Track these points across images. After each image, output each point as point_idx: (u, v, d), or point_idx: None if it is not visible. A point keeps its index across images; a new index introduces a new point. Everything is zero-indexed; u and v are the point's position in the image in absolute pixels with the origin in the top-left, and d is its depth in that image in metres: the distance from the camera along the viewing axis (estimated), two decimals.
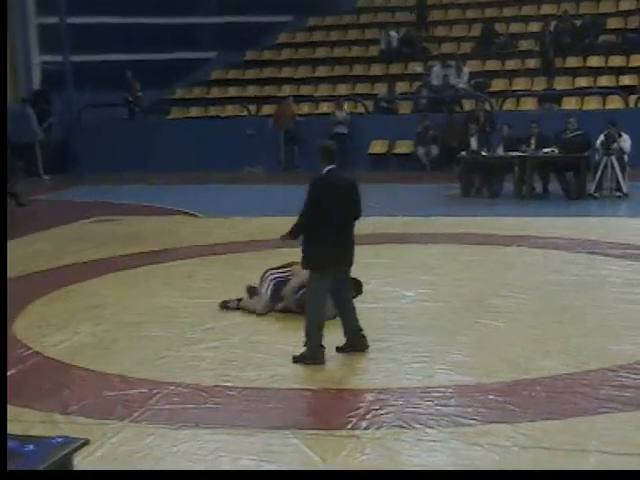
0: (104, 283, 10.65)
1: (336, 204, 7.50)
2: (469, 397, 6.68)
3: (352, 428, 6.13)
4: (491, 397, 6.63)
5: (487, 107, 20.18)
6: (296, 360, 7.45)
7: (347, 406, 6.51)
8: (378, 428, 6.12)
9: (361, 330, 7.71)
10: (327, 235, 7.45)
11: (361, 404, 6.53)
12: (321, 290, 7.52)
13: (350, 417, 6.29)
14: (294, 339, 8.10)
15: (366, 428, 6.13)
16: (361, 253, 11.48)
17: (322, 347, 7.47)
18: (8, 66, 24.36)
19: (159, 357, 7.76)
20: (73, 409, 6.60)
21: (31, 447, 5.47)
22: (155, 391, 6.91)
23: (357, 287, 8.70)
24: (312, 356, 7.42)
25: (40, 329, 8.71)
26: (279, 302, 9.02)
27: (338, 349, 7.66)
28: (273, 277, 9.14)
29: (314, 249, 7.47)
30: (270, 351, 7.84)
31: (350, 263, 7.73)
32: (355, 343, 7.69)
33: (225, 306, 9.18)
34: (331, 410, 6.48)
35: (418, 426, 6.12)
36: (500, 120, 18.26)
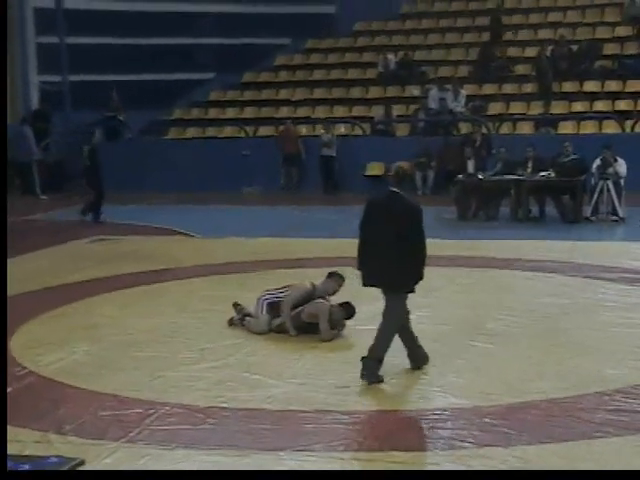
0: (101, 302, 10.64)
1: (380, 225, 7.60)
2: (464, 420, 6.69)
3: (346, 449, 6.13)
4: (486, 420, 6.63)
5: (484, 130, 20.26)
6: (363, 376, 7.42)
7: (342, 428, 6.50)
8: (373, 450, 6.11)
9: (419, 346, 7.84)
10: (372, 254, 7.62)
11: (356, 426, 6.52)
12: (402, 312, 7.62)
13: (345, 439, 6.29)
14: (290, 361, 8.11)
15: (359, 450, 6.11)
16: (357, 275, 11.54)
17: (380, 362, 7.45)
18: (8, 86, 24.47)
19: (155, 377, 7.76)
20: (68, 429, 6.59)
21: (26, 467, 5.48)
22: (150, 411, 6.90)
23: (349, 311, 8.76)
24: (371, 376, 7.40)
25: (36, 348, 8.70)
26: (277, 317, 9.03)
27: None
28: (265, 298, 9.16)
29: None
30: (265, 372, 7.83)
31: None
32: (418, 363, 7.82)
33: (231, 323, 9.35)
34: (326, 432, 6.47)
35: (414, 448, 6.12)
36: (497, 144, 18.31)
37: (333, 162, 20.99)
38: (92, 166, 17.66)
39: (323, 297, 8.95)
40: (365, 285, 7.70)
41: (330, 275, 9.18)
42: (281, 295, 9.12)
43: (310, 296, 8.92)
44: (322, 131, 21.40)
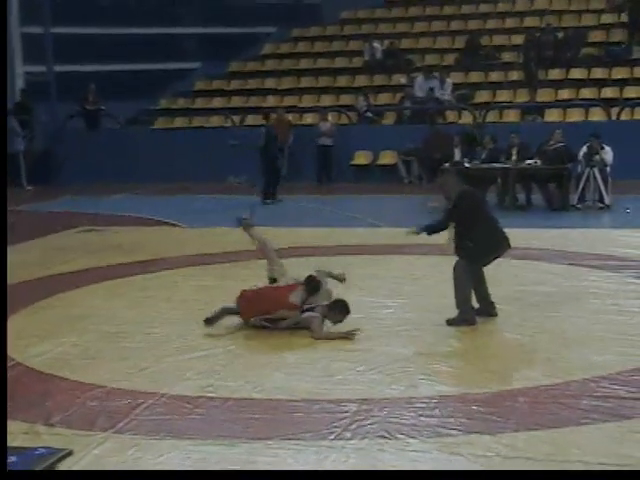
0: (88, 293, 10.63)
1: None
2: (452, 407, 6.71)
3: (336, 438, 6.14)
4: (474, 408, 6.66)
5: (474, 120, 20.30)
6: (450, 323, 8.64)
7: (330, 417, 6.52)
8: (362, 438, 6.14)
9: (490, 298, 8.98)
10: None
11: (345, 414, 6.54)
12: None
13: (334, 427, 6.30)
14: (278, 350, 8.13)
15: (350, 438, 6.14)
16: (345, 264, 11.57)
17: (473, 309, 8.81)
18: None
19: (142, 368, 7.76)
20: (56, 420, 6.59)
21: (14, 458, 5.47)
22: (138, 402, 6.90)
23: (345, 309, 8.70)
24: (465, 318, 8.66)
25: (24, 339, 8.68)
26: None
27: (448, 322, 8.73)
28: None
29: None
30: (254, 361, 7.85)
31: None
32: (486, 310, 8.93)
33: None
34: (315, 420, 6.49)
35: (401, 436, 6.15)
36: (485, 132, 18.34)
37: (331, 151, 20.92)
38: (265, 147, 18.12)
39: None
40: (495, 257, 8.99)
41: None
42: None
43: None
44: (320, 121, 21.28)
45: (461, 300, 8.77)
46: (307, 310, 8.68)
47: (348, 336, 8.38)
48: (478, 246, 8.75)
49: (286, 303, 8.69)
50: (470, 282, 8.83)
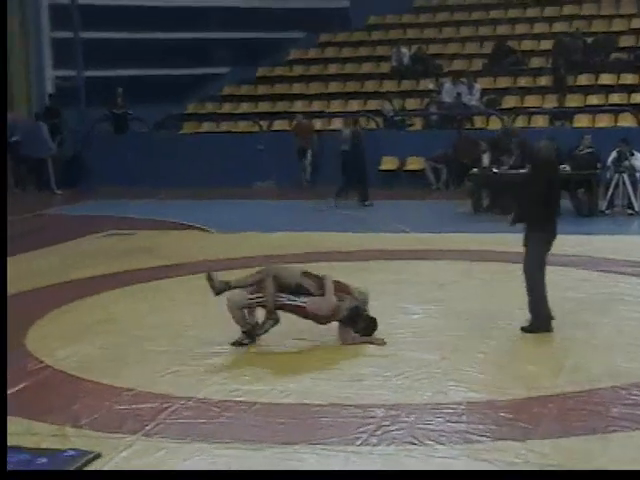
0: (116, 297, 10.67)
1: None
2: (480, 414, 6.68)
3: (362, 444, 6.13)
4: (502, 414, 6.62)
5: (503, 126, 20.22)
6: (526, 330, 8.51)
7: (357, 422, 6.51)
8: (389, 444, 6.12)
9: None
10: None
11: (372, 420, 6.52)
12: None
13: (361, 433, 6.29)
14: (304, 355, 8.12)
15: (376, 444, 6.12)
16: (372, 269, 11.55)
17: (548, 311, 8.63)
18: (22, 80, 24.55)
19: (170, 371, 7.78)
20: (84, 422, 6.62)
21: (44, 460, 5.50)
22: (166, 405, 6.92)
23: (372, 324, 8.63)
24: (542, 325, 8.53)
25: (51, 342, 8.73)
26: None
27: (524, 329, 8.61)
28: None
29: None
30: (281, 366, 7.84)
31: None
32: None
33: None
34: (341, 426, 6.47)
35: (429, 442, 6.12)
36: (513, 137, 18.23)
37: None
38: (352, 151, 18.25)
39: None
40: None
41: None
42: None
43: None
44: (343, 127, 21.24)
45: (535, 302, 8.64)
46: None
47: (375, 342, 8.35)
48: (548, 223, 8.69)
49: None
50: (544, 280, 8.67)
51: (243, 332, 8.48)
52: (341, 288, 8.63)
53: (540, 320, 8.60)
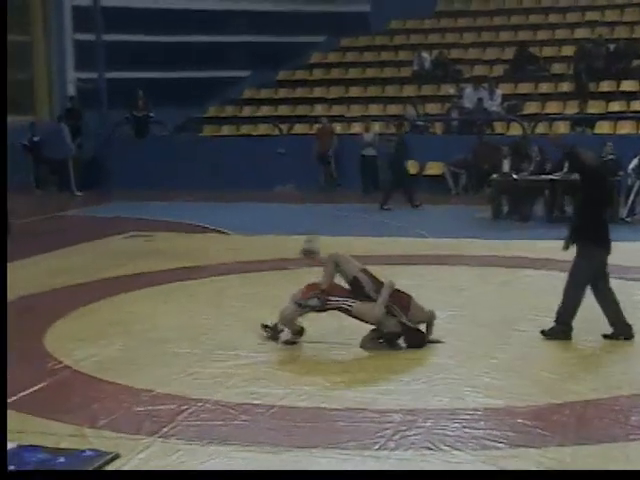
0: (135, 299, 10.71)
1: None
2: (497, 420, 6.66)
3: (380, 449, 6.12)
4: (520, 421, 6.60)
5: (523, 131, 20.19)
6: (546, 334, 8.46)
7: (375, 426, 6.50)
8: (406, 449, 6.11)
9: (625, 320, 8.58)
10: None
11: (389, 425, 6.52)
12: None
13: (378, 437, 6.28)
14: (322, 358, 8.12)
15: (394, 449, 6.12)
16: (390, 273, 11.52)
17: (571, 328, 8.51)
18: (44, 82, 24.68)
19: (188, 373, 7.80)
20: (102, 423, 6.64)
21: (62, 459, 5.53)
22: (184, 407, 6.93)
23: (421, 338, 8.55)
24: (562, 333, 8.47)
25: (71, 343, 8.77)
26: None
27: (606, 336, 8.53)
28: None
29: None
30: (299, 369, 7.85)
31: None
32: (622, 332, 8.54)
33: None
34: (359, 430, 6.47)
35: (446, 448, 6.11)
36: (533, 143, 18.21)
37: (375, 162, 20.87)
38: (397, 155, 18.59)
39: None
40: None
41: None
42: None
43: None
44: (363, 131, 21.26)
45: (565, 309, 8.56)
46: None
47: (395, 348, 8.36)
48: (602, 232, 8.58)
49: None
50: (583, 292, 8.58)
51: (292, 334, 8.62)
52: (400, 300, 8.55)
53: (562, 327, 8.55)
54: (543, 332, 8.59)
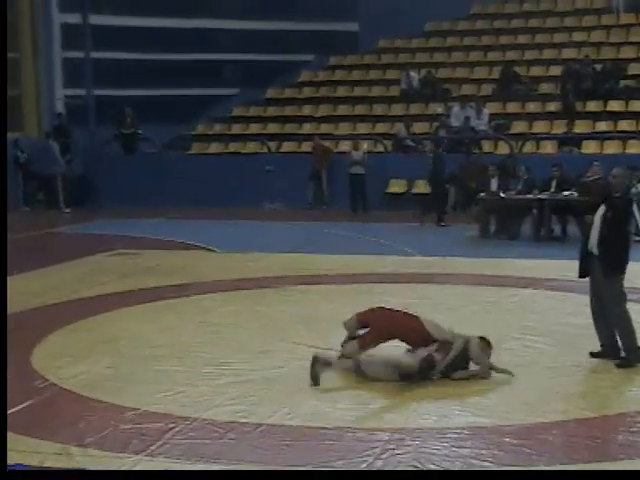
0: (123, 316, 10.68)
1: None
2: (485, 439, 6.66)
3: (367, 467, 6.11)
4: (507, 440, 6.60)
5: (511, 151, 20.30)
6: (621, 366, 8.22)
7: (362, 445, 6.50)
8: (394, 468, 6.10)
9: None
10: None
11: (377, 443, 6.51)
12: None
13: (366, 456, 6.28)
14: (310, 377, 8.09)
15: (381, 468, 6.11)
16: (378, 291, 11.55)
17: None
18: (33, 99, 24.67)
19: (176, 391, 7.77)
20: (89, 441, 6.61)
21: None
22: (171, 425, 6.91)
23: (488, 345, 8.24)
24: (634, 358, 8.29)
25: (58, 361, 8.73)
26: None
27: (593, 354, 8.49)
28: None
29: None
30: (288, 388, 7.83)
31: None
32: (612, 352, 8.43)
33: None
34: (346, 449, 6.46)
35: (433, 467, 6.11)
36: (520, 162, 18.30)
37: (363, 180, 20.92)
38: (436, 170, 18.79)
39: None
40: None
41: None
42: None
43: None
44: (352, 150, 21.31)
45: (626, 336, 8.38)
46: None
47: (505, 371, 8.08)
48: (624, 252, 8.48)
49: (424, 332, 8.06)
50: (628, 313, 8.41)
51: None
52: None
53: (634, 353, 8.35)
54: (619, 365, 8.29)
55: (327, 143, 22.82)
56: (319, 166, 21.57)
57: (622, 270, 8.46)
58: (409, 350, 8.08)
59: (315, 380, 7.84)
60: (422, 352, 7.93)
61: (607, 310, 8.47)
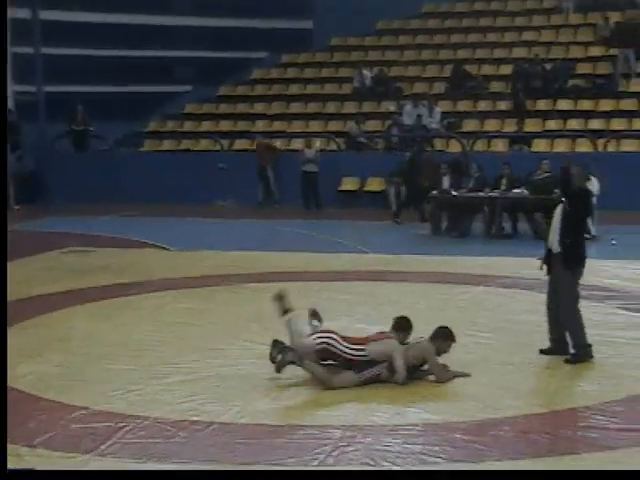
0: (74, 314, 10.60)
1: None
2: (436, 435, 6.71)
3: (319, 465, 6.13)
4: (458, 436, 6.66)
5: (462, 149, 20.42)
6: (570, 362, 8.33)
7: (314, 442, 6.51)
8: (345, 465, 6.12)
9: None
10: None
11: (328, 440, 6.53)
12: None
13: (317, 454, 6.29)
14: (262, 376, 8.09)
15: (333, 465, 6.13)
16: (331, 289, 11.58)
17: (589, 345, 8.49)
18: None
19: (127, 390, 7.73)
20: (39, 442, 6.55)
21: None
22: (121, 424, 6.87)
23: (450, 335, 8.13)
24: (583, 354, 8.40)
25: (9, 359, 8.62)
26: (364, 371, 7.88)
27: (542, 351, 8.60)
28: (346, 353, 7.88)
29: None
30: (240, 386, 7.82)
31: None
32: (562, 349, 8.57)
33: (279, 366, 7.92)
34: (298, 446, 6.47)
35: (385, 464, 6.13)
36: (472, 160, 18.42)
37: (316, 178, 20.89)
38: (410, 172, 18.80)
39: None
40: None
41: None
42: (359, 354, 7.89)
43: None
44: (304, 147, 21.27)
45: (575, 333, 8.48)
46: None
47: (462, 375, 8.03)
48: (582, 246, 8.65)
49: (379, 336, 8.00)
50: (579, 311, 8.57)
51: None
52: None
53: (582, 350, 8.46)
54: (567, 360, 8.39)
55: (279, 141, 22.81)
56: (264, 163, 21.52)
57: (582, 264, 8.65)
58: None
59: (279, 368, 7.78)
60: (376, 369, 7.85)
61: (560, 307, 8.58)
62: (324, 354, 7.85)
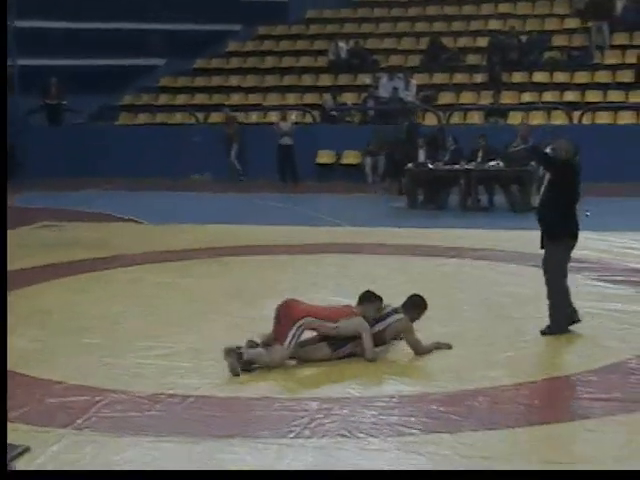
0: (49, 289, 10.56)
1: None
2: (412, 407, 6.74)
3: (295, 437, 6.15)
4: (434, 407, 6.69)
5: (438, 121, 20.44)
6: (545, 333, 8.29)
7: (291, 415, 6.53)
8: (321, 437, 6.15)
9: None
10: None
11: (305, 413, 6.55)
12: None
13: (294, 426, 6.31)
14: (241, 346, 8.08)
15: (309, 437, 6.15)
16: (307, 263, 11.59)
17: (575, 311, 8.47)
18: None
19: (102, 364, 7.72)
20: (14, 416, 6.51)
21: None
22: (98, 398, 6.86)
23: (422, 302, 8.23)
24: (560, 328, 8.33)
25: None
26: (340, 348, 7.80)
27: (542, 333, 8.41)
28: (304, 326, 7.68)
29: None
30: (216, 359, 7.82)
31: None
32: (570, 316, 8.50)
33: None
34: (275, 418, 6.49)
35: (361, 435, 6.16)
36: (448, 133, 18.43)
37: (292, 151, 20.83)
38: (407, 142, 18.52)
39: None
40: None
41: (366, 298, 8.09)
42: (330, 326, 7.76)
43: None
44: (280, 120, 21.19)
45: (556, 307, 8.42)
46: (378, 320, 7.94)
47: (443, 346, 8.03)
48: (571, 221, 8.51)
49: (345, 312, 7.89)
50: (566, 286, 8.49)
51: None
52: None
53: (559, 324, 8.41)
54: (543, 332, 8.36)
55: (256, 114, 22.72)
56: (229, 138, 21.45)
57: (573, 237, 8.51)
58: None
59: (235, 371, 7.41)
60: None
61: (547, 280, 8.55)
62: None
